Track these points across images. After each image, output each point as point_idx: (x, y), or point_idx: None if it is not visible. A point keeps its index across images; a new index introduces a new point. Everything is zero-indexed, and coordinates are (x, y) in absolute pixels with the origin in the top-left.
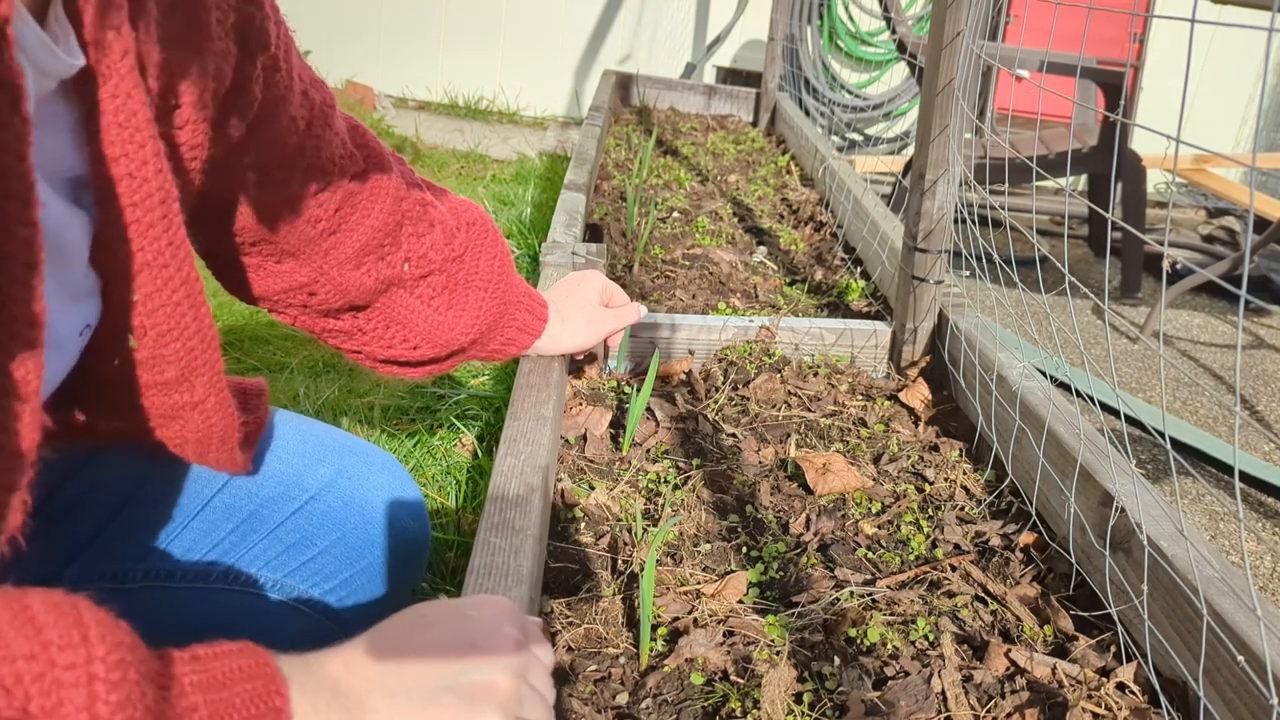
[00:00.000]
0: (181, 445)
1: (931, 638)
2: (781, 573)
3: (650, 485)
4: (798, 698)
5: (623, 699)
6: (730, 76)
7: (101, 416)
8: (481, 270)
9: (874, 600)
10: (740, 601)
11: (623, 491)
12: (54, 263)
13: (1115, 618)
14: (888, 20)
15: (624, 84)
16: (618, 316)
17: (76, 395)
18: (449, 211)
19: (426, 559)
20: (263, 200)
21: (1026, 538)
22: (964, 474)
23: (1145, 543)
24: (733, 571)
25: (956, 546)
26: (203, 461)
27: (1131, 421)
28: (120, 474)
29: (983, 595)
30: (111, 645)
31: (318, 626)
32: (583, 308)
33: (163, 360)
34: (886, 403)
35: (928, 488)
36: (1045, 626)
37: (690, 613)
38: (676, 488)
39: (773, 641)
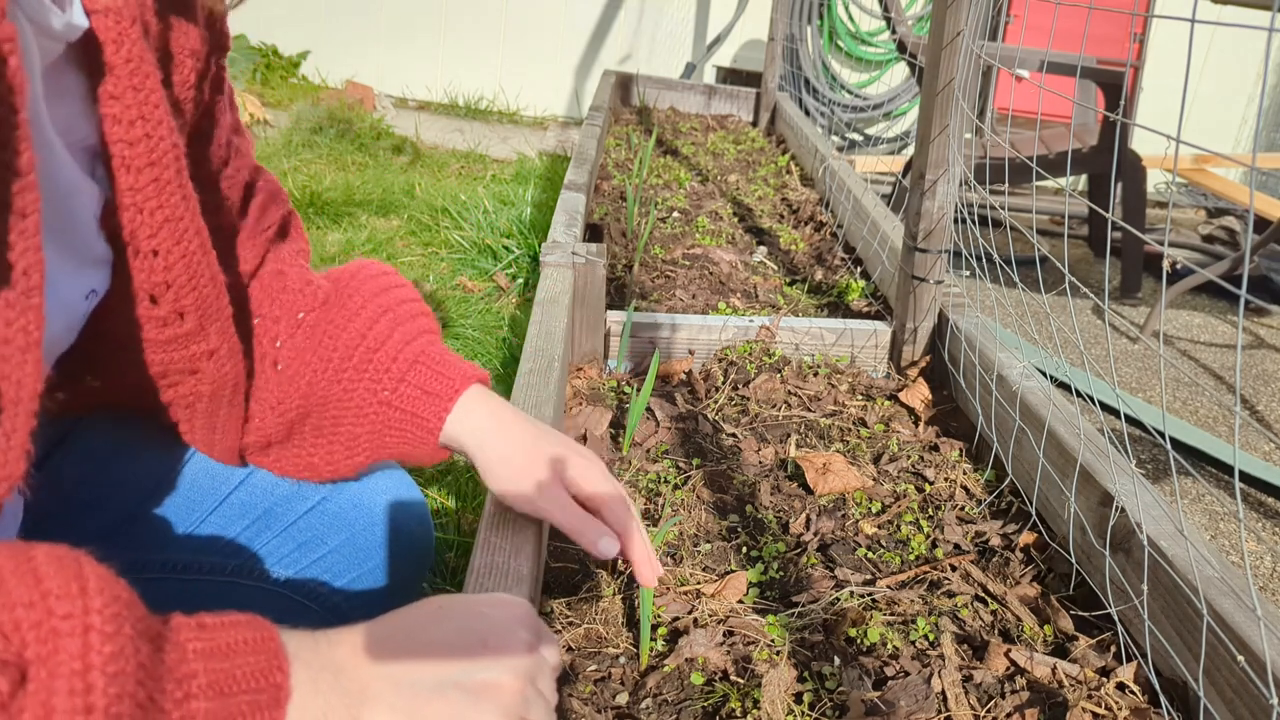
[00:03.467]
0: (193, 406)
1: (931, 638)
2: (781, 573)
3: (650, 485)
4: (798, 698)
5: (623, 699)
6: (730, 76)
7: (119, 380)
8: (341, 323)
9: (874, 600)
10: (740, 601)
11: None
12: (61, 227)
13: (1115, 618)
14: (888, 20)
15: (624, 84)
16: (560, 505)
17: (92, 361)
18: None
19: (430, 561)
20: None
21: (1026, 538)
22: (964, 474)
23: (1145, 543)
24: (733, 571)
25: (956, 546)
26: (209, 436)
27: (1131, 421)
28: (145, 469)
29: (983, 595)
30: (109, 599)
31: (325, 624)
32: (527, 439)
33: (182, 312)
34: (886, 403)
35: (928, 488)
36: (1045, 626)
37: (690, 613)
38: (676, 488)
39: (773, 641)
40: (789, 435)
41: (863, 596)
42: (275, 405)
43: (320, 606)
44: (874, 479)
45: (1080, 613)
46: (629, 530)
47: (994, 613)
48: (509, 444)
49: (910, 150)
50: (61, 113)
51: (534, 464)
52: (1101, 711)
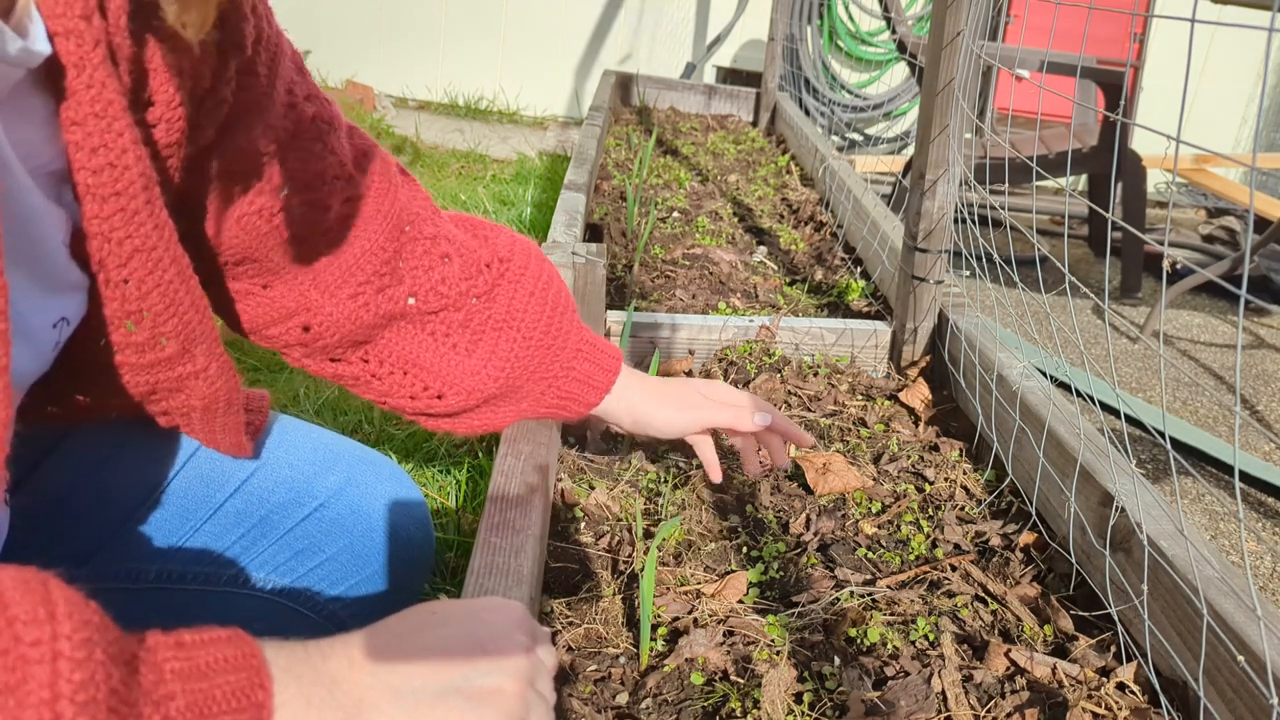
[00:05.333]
0: (188, 415)
1: (931, 638)
2: (781, 573)
3: (650, 485)
4: (798, 698)
5: (623, 699)
6: (730, 76)
7: (106, 396)
8: (516, 311)
9: (874, 600)
10: (740, 601)
11: (623, 491)
12: (25, 253)
13: (1115, 618)
14: (888, 20)
15: (624, 84)
16: (719, 409)
17: (78, 381)
18: (483, 245)
19: (430, 566)
20: (237, 211)
21: (1026, 538)
22: (964, 474)
23: (1145, 542)
24: (733, 571)
25: (956, 546)
26: (210, 435)
27: (1131, 421)
28: (137, 477)
29: (983, 595)
30: (78, 624)
31: (322, 632)
32: (680, 392)
33: (163, 337)
34: (886, 403)
35: (928, 488)
36: (1045, 626)
37: (690, 613)
38: (676, 488)
39: (773, 641)
40: None
41: (863, 596)
42: (473, 391)
43: (318, 615)
44: (874, 479)
45: (1080, 613)
46: (782, 431)
47: (994, 613)
48: (658, 410)
49: (910, 150)
50: (24, 137)
51: (687, 411)
52: (1101, 711)
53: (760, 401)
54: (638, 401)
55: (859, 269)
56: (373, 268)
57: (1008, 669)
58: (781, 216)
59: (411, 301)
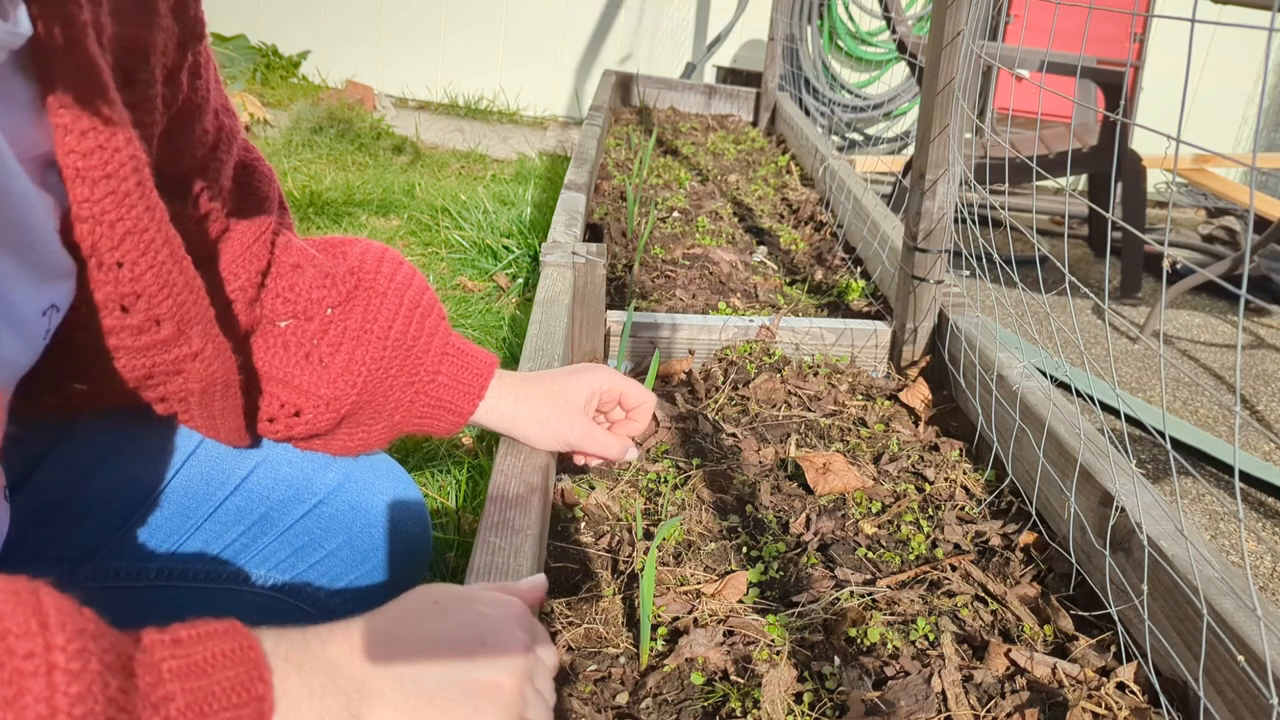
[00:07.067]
0: (186, 400)
1: (931, 638)
2: (781, 573)
3: (650, 485)
4: (798, 697)
5: (623, 699)
6: (730, 76)
7: (103, 383)
8: (372, 316)
9: (874, 600)
10: (740, 601)
11: (623, 491)
12: (18, 241)
13: (1115, 618)
14: (888, 20)
15: (624, 84)
16: (590, 437)
17: (74, 368)
18: (340, 261)
19: (428, 562)
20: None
21: (1026, 538)
22: (964, 474)
23: (1145, 542)
24: (733, 571)
25: (956, 546)
26: (209, 422)
27: (1131, 421)
28: (137, 477)
29: (983, 595)
30: (72, 634)
31: None
32: (550, 399)
33: (158, 319)
34: (886, 402)
35: (928, 487)
36: (1045, 626)
37: (690, 612)
38: (676, 488)
39: (773, 641)
40: (789, 435)
41: (863, 596)
42: (330, 401)
43: (317, 610)
44: (874, 479)
45: (1080, 613)
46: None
47: (994, 613)
48: (532, 417)
49: (910, 150)
50: (7, 122)
51: (559, 424)
52: (1101, 711)
53: (632, 441)
54: (509, 412)
55: (859, 269)
56: (249, 278)
57: (1008, 669)
58: (781, 216)
59: (265, 309)
